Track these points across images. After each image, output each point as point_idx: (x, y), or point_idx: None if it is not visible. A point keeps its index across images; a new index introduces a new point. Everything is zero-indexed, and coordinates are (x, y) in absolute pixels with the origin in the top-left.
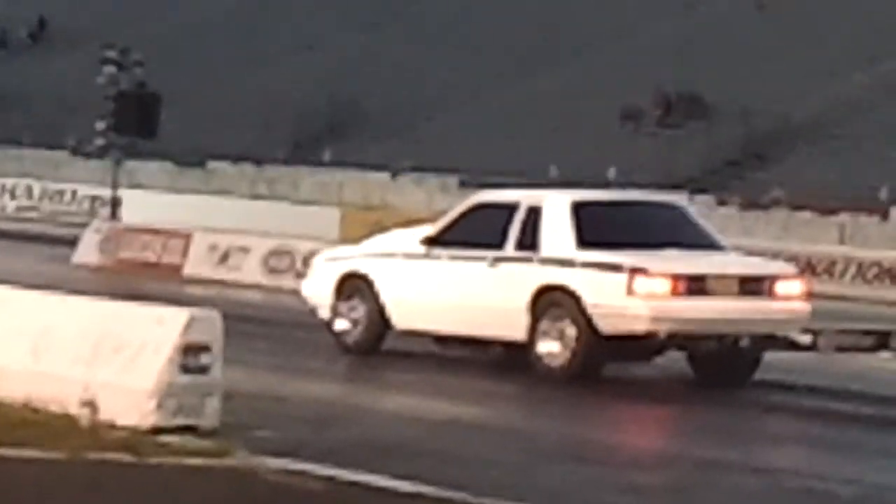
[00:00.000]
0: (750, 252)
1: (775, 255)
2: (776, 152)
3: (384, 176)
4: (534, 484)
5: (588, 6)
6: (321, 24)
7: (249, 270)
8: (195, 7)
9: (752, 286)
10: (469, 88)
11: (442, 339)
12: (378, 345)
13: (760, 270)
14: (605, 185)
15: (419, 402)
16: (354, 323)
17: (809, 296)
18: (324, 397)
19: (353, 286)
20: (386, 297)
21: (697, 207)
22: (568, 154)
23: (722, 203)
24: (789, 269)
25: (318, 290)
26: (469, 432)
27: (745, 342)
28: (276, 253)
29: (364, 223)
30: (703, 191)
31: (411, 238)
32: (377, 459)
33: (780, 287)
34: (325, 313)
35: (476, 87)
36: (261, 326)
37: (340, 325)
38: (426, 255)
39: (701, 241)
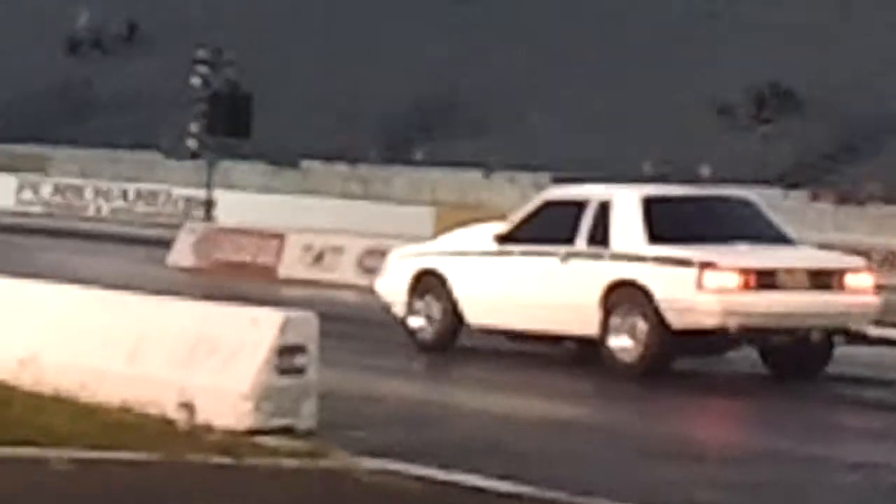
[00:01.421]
0: (844, 248)
1: (870, 250)
2: (870, 146)
3: (477, 174)
4: (630, 482)
5: (682, 2)
6: (415, 22)
7: (344, 271)
8: (287, 6)
9: (821, 280)
10: (563, 85)
11: (514, 335)
12: (452, 342)
13: (830, 264)
14: (698, 180)
15: (505, 399)
16: (428, 320)
17: (879, 289)
18: (417, 397)
19: (427, 283)
20: (459, 294)
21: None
22: (661, 150)
23: (815, 198)
24: (858, 262)
25: (392, 287)
26: (557, 430)
27: (815, 335)
28: (370, 253)
29: (458, 222)
30: (796, 186)
31: (484, 235)
32: (472, 459)
33: (850, 280)
34: (399, 310)
35: (570, 84)
36: (356, 327)
37: (415, 322)
38: (498, 252)
39: (771, 235)
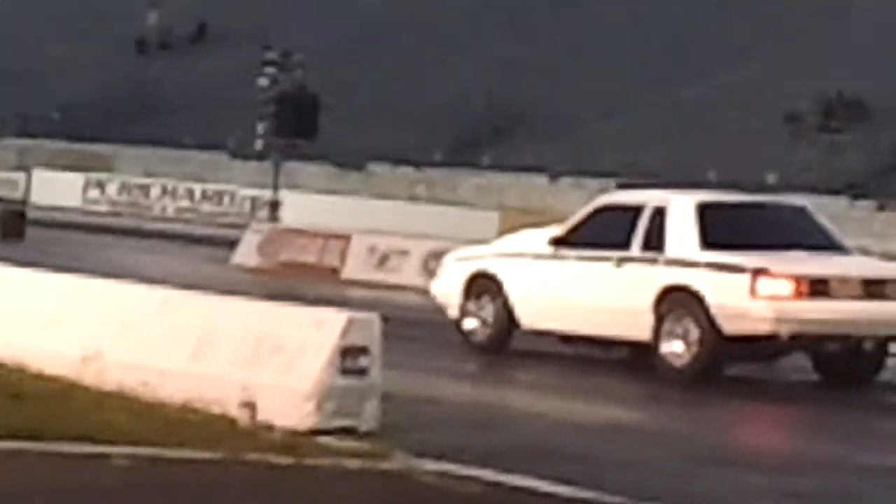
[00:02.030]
0: None
1: None
2: None
3: (543, 179)
4: (685, 488)
5: (749, 10)
6: (481, 26)
7: (408, 273)
8: (355, 9)
9: (874, 288)
10: (630, 91)
11: (567, 338)
12: (506, 344)
13: (883, 273)
14: (764, 189)
15: (561, 403)
16: (483, 322)
17: None
18: (477, 399)
19: (482, 286)
20: (514, 297)
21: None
22: (728, 158)
23: (881, 208)
24: None
25: (447, 289)
26: (613, 434)
27: (868, 344)
28: (435, 255)
29: (523, 226)
30: (863, 196)
31: (539, 238)
32: (533, 463)
33: None
34: (454, 312)
35: (637, 90)
36: (420, 329)
37: (469, 323)
38: (553, 256)
39: (824, 243)
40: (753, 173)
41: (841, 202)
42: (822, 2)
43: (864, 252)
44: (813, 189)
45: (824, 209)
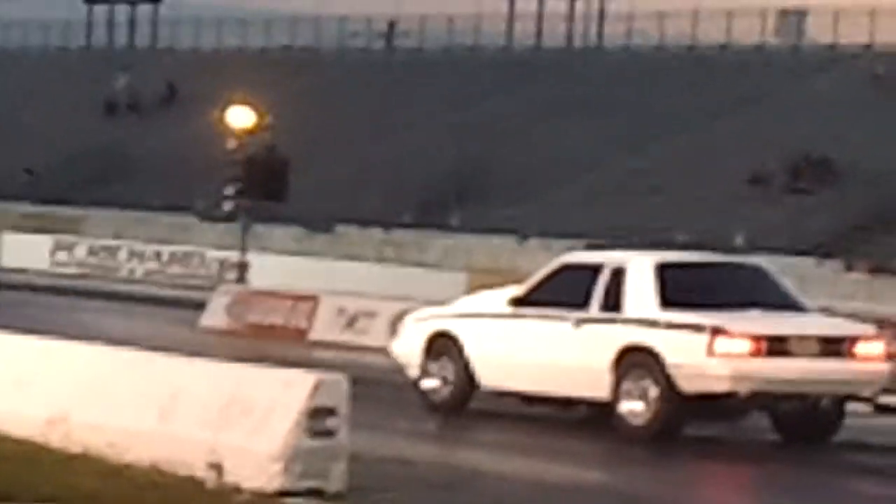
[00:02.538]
0: (878, 318)
1: None
2: None
3: (511, 240)
4: None
5: (715, 72)
6: (448, 89)
7: (376, 334)
8: (322, 71)
9: (832, 347)
10: (597, 153)
11: (527, 398)
12: (465, 404)
13: (841, 331)
14: (732, 250)
15: (525, 463)
16: (443, 381)
17: (890, 357)
18: (444, 460)
19: (442, 345)
20: (473, 357)
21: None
22: (695, 219)
23: (850, 268)
24: (869, 329)
25: (407, 349)
26: (580, 495)
27: (825, 402)
28: (403, 317)
29: (491, 287)
30: (830, 255)
31: (498, 298)
32: None
33: (861, 348)
34: (413, 372)
35: (604, 152)
36: (387, 390)
37: (429, 383)
38: (513, 315)
39: (782, 302)
40: (722, 234)
41: (808, 262)
42: (787, 62)
43: (831, 312)
44: (781, 249)
45: (792, 269)
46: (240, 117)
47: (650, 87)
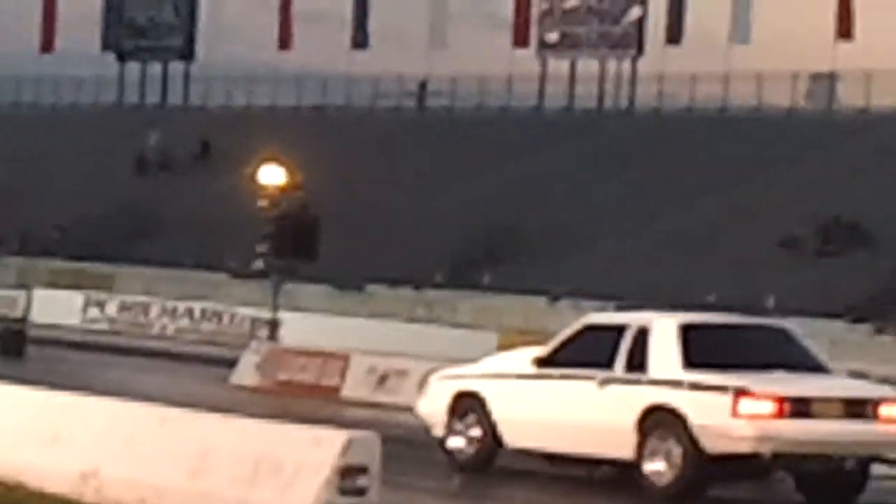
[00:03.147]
0: None
1: None
2: None
3: (542, 301)
4: None
5: (746, 135)
6: (479, 148)
7: (407, 393)
8: (354, 130)
9: (856, 409)
10: (628, 214)
11: (552, 458)
12: (490, 463)
13: (864, 393)
14: (763, 312)
15: None
16: (468, 441)
17: None
18: None
19: (467, 405)
20: (498, 416)
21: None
22: (726, 281)
23: (880, 331)
24: (892, 392)
25: (432, 408)
26: None
27: (849, 463)
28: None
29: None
30: (862, 319)
31: (523, 358)
32: None
33: (884, 410)
34: (438, 431)
35: (635, 213)
36: (418, 449)
37: (454, 442)
38: (537, 375)
39: (807, 364)
40: (753, 296)
41: (839, 325)
42: (818, 126)
43: (863, 376)
44: (811, 312)
45: (822, 332)
46: (271, 176)
47: (681, 149)
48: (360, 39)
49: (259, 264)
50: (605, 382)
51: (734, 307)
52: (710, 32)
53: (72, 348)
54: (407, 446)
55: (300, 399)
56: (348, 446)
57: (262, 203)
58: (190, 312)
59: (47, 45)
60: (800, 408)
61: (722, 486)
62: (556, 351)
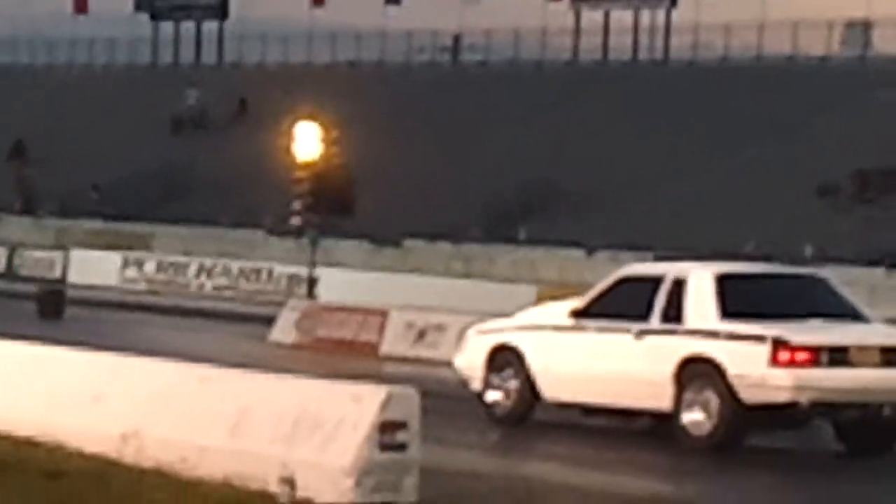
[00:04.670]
0: None
1: None
2: None
3: (580, 253)
4: None
5: (781, 84)
6: (514, 102)
7: (446, 348)
8: (388, 86)
9: (893, 356)
10: (664, 165)
11: (589, 410)
12: (527, 416)
13: None
14: (801, 261)
15: (595, 475)
16: (506, 394)
17: None
18: (514, 472)
19: (504, 358)
20: (535, 369)
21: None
22: (763, 231)
23: None
24: None
25: (470, 362)
26: None
27: (887, 410)
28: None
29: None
30: None
31: (560, 311)
32: None
33: None
34: (476, 385)
35: (671, 164)
36: (458, 404)
37: (492, 396)
38: (574, 328)
39: (843, 312)
40: (791, 245)
41: (878, 273)
42: (854, 73)
43: None
44: (850, 260)
45: (861, 280)
46: (307, 132)
47: (716, 100)
48: None
49: (296, 221)
50: (641, 334)
51: (772, 257)
52: None
53: (110, 309)
54: (445, 401)
55: (339, 356)
56: (387, 402)
57: (299, 160)
58: (227, 271)
59: (80, 7)
60: (837, 356)
61: (760, 436)
62: (592, 303)
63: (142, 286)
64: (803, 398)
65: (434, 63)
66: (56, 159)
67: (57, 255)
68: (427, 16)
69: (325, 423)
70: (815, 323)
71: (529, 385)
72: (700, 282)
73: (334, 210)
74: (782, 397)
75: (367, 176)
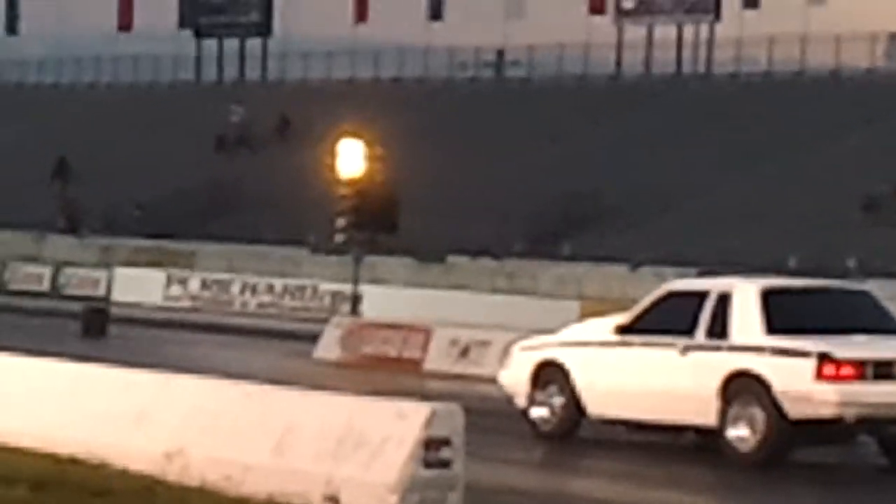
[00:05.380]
0: None
1: None
2: None
3: (623, 268)
4: None
5: (825, 97)
6: (558, 117)
7: (490, 364)
8: (432, 102)
9: None
10: (708, 179)
11: (634, 426)
12: (573, 432)
13: None
14: (845, 275)
15: (640, 492)
16: (550, 411)
17: None
18: (558, 489)
19: (549, 374)
20: (580, 385)
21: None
22: (807, 244)
23: None
24: None
25: (514, 378)
26: None
27: None
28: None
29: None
30: None
31: (605, 326)
32: None
33: None
34: (521, 402)
35: (715, 178)
36: (501, 420)
37: (537, 412)
38: (619, 343)
39: (888, 327)
40: (834, 259)
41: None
42: None
43: None
44: (893, 274)
45: None
46: (351, 149)
47: (759, 113)
48: (437, 10)
49: (340, 239)
50: (686, 349)
51: (816, 271)
52: None
53: (154, 326)
54: (490, 417)
55: (383, 372)
56: (432, 418)
57: (342, 177)
58: (271, 288)
59: (125, 24)
60: (882, 371)
61: (805, 451)
62: (637, 318)
63: (185, 304)
64: (849, 413)
65: (477, 78)
66: (100, 177)
67: (101, 274)
68: (470, 31)
69: (369, 441)
70: (860, 338)
71: (574, 401)
72: (745, 297)
73: (378, 227)
74: (828, 412)
75: (410, 192)
